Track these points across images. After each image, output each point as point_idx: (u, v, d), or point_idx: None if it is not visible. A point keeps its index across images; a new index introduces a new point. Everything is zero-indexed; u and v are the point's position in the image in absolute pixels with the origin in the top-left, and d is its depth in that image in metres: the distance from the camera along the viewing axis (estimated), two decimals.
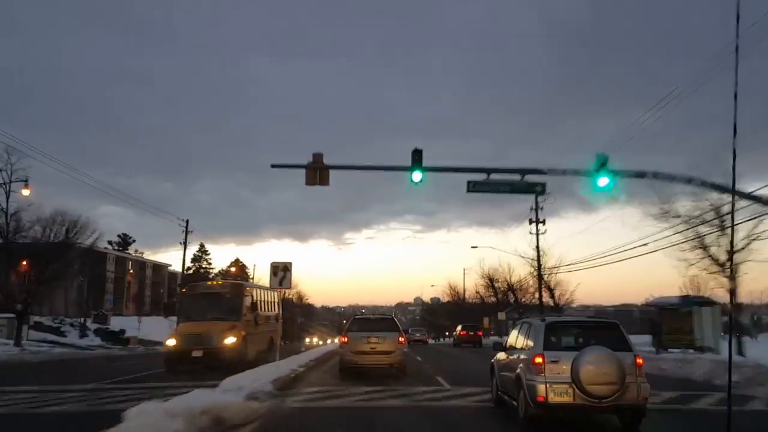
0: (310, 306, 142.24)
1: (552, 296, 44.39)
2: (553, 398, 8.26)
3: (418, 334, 53.83)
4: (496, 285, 59.26)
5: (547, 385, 8.31)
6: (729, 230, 19.62)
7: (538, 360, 8.56)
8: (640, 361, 8.60)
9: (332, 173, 17.63)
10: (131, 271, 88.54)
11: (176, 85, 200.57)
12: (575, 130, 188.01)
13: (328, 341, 79.91)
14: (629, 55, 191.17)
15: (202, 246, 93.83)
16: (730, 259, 19.37)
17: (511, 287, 54.56)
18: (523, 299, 53.32)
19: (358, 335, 17.30)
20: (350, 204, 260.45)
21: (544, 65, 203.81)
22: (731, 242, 20.61)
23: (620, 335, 8.98)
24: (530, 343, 9.24)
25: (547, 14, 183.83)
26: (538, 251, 40.48)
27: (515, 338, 10.49)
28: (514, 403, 9.39)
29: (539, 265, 40.79)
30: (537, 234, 39.90)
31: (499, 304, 58.53)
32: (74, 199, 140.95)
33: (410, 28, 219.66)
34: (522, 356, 9.37)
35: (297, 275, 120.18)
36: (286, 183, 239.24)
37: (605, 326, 9.42)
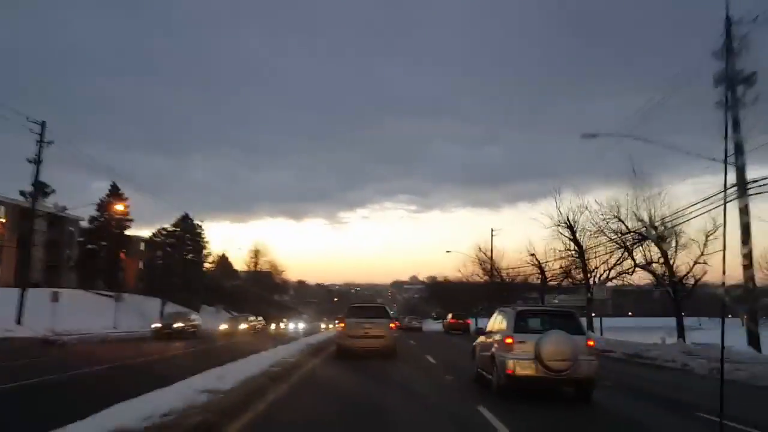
0: (303, 283, 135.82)
1: None
2: (520, 371, 10.12)
3: (414, 322, 59.67)
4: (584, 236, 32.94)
5: (516, 361, 10.16)
6: None
7: (509, 340, 10.46)
8: (591, 343, 10.60)
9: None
10: (1, 221, 53.75)
11: (172, 63, 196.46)
12: (570, 113, 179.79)
13: (300, 326, 64.16)
14: (626, 35, 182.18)
15: (114, 188, 58.08)
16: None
17: (652, 225, 25.92)
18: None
19: (354, 321, 18.98)
20: (345, 183, 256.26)
21: (538, 46, 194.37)
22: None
23: (576, 322, 11.09)
24: (503, 327, 11.12)
25: None
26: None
27: (493, 324, 12.28)
28: (490, 377, 11.32)
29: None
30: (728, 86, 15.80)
31: (582, 275, 34.10)
32: (70, 174, 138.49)
33: (403, 7, 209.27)
34: (497, 338, 11.19)
35: (268, 246, 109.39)
36: (283, 161, 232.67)
37: (564, 314, 11.57)
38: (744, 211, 19.06)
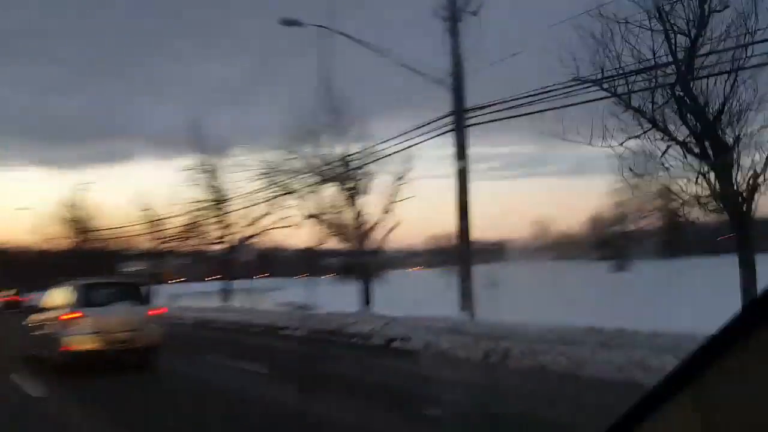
0: None
1: None
2: (81, 347, 10.00)
3: None
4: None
5: (76, 337, 10.00)
6: None
7: (71, 315, 10.24)
8: (153, 312, 11.38)
9: None
10: None
11: None
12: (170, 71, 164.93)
13: None
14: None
15: None
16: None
17: None
18: None
19: None
20: None
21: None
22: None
23: (138, 292, 11.61)
24: (66, 302, 10.80)
25: None
26: None
27: (52, 298, 11.76)
28: (49, 355, 10.78)
29: None
30: None
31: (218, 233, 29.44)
32: None
33: None
34: (57, 313, 10.77)
35: None
36: None
37: (128, 285, 12.16)
38: (460, 148, 14.94)
